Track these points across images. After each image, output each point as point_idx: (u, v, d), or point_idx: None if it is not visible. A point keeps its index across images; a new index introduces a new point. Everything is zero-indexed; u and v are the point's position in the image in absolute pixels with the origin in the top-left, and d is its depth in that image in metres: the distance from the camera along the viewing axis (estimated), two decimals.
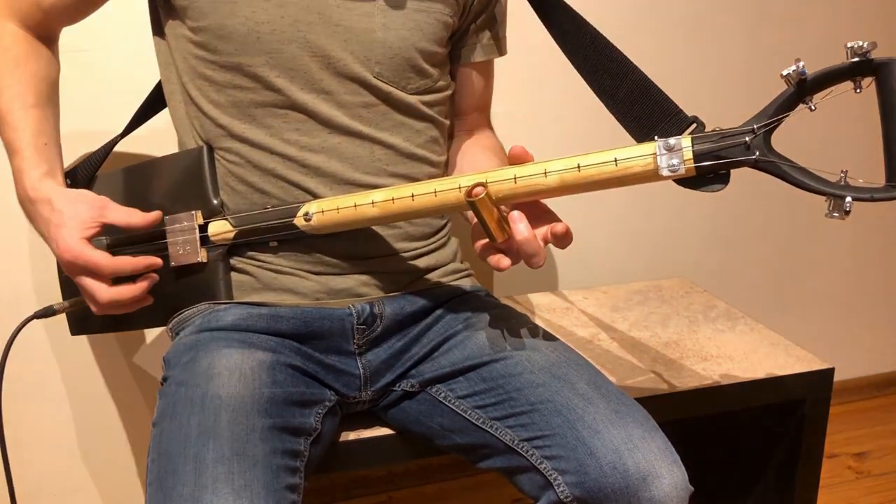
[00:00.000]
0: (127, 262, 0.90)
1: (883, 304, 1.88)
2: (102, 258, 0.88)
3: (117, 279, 0.90)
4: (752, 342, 1.26)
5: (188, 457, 0.75)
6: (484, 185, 0.80)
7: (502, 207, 0.82)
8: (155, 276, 0.93)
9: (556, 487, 0.81)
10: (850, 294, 1.84)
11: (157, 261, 0.93)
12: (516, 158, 0.82)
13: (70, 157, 1.03)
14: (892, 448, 1.74)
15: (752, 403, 1.16)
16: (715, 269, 1.70)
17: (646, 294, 1.48)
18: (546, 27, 0.94)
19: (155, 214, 0.92)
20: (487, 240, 0.83)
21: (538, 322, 1.03)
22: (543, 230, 0.82)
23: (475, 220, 0.84)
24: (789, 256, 1.76)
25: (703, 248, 1.68)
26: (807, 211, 1.72)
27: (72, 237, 0.87)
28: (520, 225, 0.79)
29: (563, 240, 0.82)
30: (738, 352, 1.22)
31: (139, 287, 0.91)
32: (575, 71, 0.91)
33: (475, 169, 0.95)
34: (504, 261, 0.82)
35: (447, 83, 1.01)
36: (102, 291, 0.89)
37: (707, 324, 1.33)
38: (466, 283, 1.05)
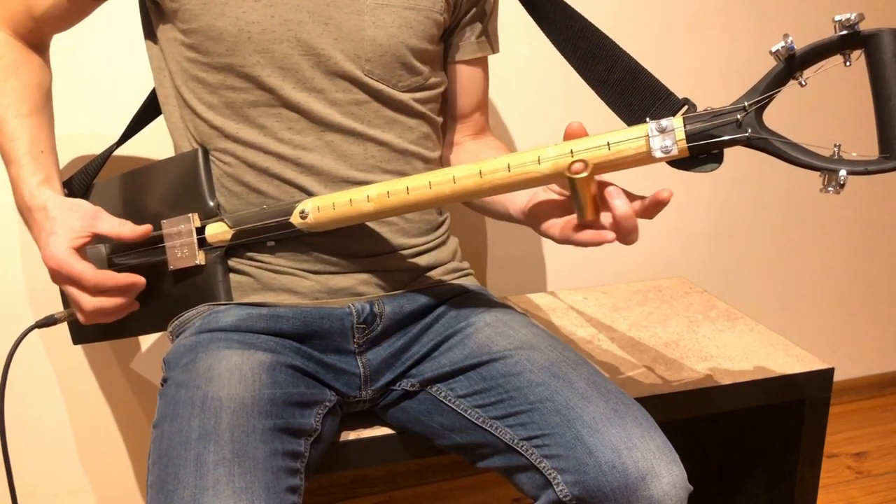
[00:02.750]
0: (109, 278, 0.89)
1: (883, 304, 1.88)
2: (85, 271, 0.87)
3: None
4: (752, 342, 1.26)
5: (189, 459, 0.75)
6: (586, 162, 0.76)
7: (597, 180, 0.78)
8: (141, 280, 0.92)
9: (555, 487, 0.81)
10: (850, 294, 1.84)
11: (141, 280, 0.92)
12: (573, 135, 0.79)
13: (65, 161, 1.03)
14: (892, 448, 1.74)
15: (752, 403, 1.16)
16: (715, 269, 1.70)
17: (646, 294, 1.48)
18: (532, 16, 0.94)
19: (145, 228, 0.92)
20: (564, 220, 0.81)
21: (538, 322, 1.02)
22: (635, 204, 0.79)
23: (532, 202, 0.85)
24: (789, 256, 1.76)
25: (703, 248, 1.68)
26: (807, 210, 1.72)
27: (58, 245, 0.86)
28: (617, 200, 0.76)
29: (658, 208, 0.77)
30: (738, 352, 1.22)
31: (122, 296, 0.91)
32: (565, 60, 0.91)
33: None
34: (586, 234, 0.79)
35: (439, 80, 1.01)
36: (86, 300, 0.88)
37: (707, 324, 1.33)
38: (466, 282, 1.05)
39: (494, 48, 1.07)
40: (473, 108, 1.08)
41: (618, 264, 1.62)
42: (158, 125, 1.05)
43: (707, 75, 1.57)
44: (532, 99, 1.48)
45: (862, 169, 0.72)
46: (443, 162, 1.07)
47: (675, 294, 1.48)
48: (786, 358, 1.20)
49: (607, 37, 0.87)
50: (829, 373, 1.17)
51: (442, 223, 1.04)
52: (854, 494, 1.59)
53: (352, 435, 1.00)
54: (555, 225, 0.84)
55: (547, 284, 1.58)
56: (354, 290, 0.95)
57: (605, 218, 0.79)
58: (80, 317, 0.91)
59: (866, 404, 1.92)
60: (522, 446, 0.85)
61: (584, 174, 0.76)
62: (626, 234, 0.77)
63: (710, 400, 1.13)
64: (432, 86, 0.99)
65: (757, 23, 1.57)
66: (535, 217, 0.87)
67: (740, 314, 1.37)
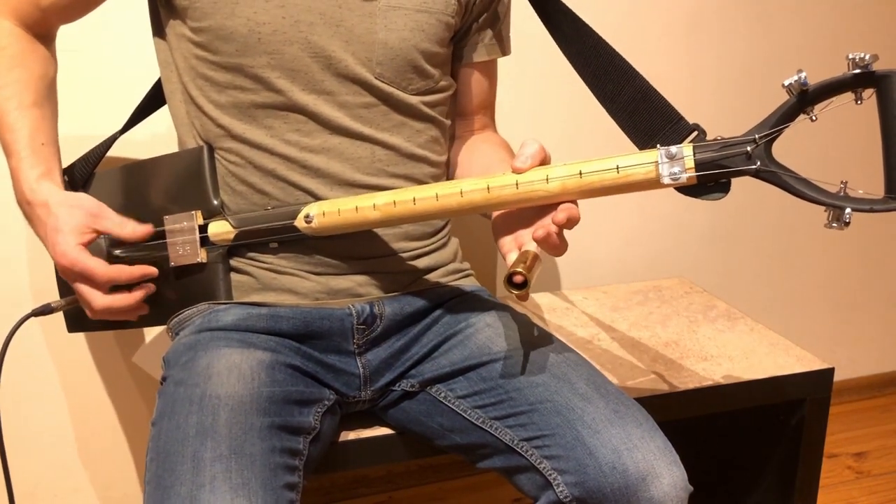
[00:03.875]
0: (122, 271, 0.90)
1: (883, 304, 1.88)
2: (98, 266, 0.88)
3: (114, 286, 0.91)
4: (752, 342, 1.26)
5: (186, 455, 0.76)
6: (525, 277, 0.74)
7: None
8: (151, 286, 0.94)
9: (555, 487, 0.81)
10: (850, 294, 1.84)
11: (153, 270, 0.93)
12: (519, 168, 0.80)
13: (68, 159, 1.03)
14: (892, 448, 1.74)
15: (752, 403, 1.16)
16: (715, 269, 1.70)
17: (646, 294, 1.48)
18: (549, 32, 0.94)
19: (147, 228, 0.93)
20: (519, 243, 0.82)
21: (538, 322, 1.02)
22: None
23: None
24: (789, 256, 1.76)
25: (703, 248, 1.68)
26: (807, 211, 1.72)
27: (68, 243, 0.87)
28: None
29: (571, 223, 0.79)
30: (738, 352, 1.22)
31: (134, 297, 0.92)
32: (577, 76, 0.91)
33: (484, 166, 0.95)
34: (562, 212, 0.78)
35: (448, 83, 1.01)
36: (97, 298, 0.89)
37: (707, 324, 1.33)
38: (466, 284, 1.05)
39: (506, 51, 1.06)
40: (478, 108, 1.08)
41: (618, 264, 1.62)
42: (165, 118, 1.05)
43: (703, 80, 1.57)
44: (546, 114, 1.48)
45: (867, 207, 0.73)
46: None
47: (675, 294, 1.48)
48: (786, 358, 1.20)
49: (620, 55, 0.87)
50: (829, 373, 1.17)
51: (444, 226, 1.04)
52: (854, 494, 1.59)
53: (352, 435, 1.00)
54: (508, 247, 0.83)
55: (547, 284, 1.58)
56: (355, 290, 0.95)
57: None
58: (89, 313, 0.92)
59: (866, 404, 1.92)
60: (522, 447, 0.85)
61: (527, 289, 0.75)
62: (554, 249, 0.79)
63: (710, 400, 1.13)
64: (442, 89, 0.99)
65: (754, 27, 1.57)
66: (499, 228, 0.86)
67: (740, 314, 1.37)
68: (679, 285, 1.53)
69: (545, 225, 0.78)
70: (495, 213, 0.87)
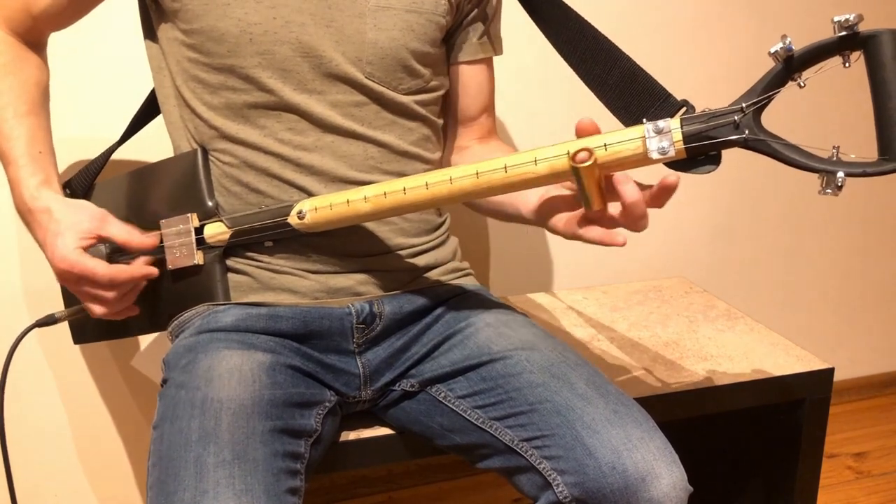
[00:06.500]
0: (123, 271, 0.90)
1: (883, 304, 1.88)
2: (99, 266, 0.88)
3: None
4: (752, 342, 1.26)
5: (189, 461, 0.75)
6: (590, 150, 0.76)
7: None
8: (154, 269, 0.94)
9: (555, 488, 0.81)
10: (850, 294, 1.84)
11: (154, 270, 0.93)
12: (584, 131, 0.78)
13: (63, 163, 1.03)
14: (892, 448, 1.74)
15: (752, 403, 1.15)
16: (715, 269, 1.70)
17: (645, 294, 1.48)
18: (532, 17, 0.94)
19: (153, 239, 0.93)
20: (570, 215, 0.81)
21: (537, 322, 1.02)
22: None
23: (542, 199, 0.85)
24: (789, 256, 1.76)
25: (703, 248, 1.68)
26: (807, 211, 1.72)
27: (67, 246, 0.87)
28: (626, 186, 0.76)
29: (667, 194, 0.77)
30: (738, 352, 1.22)
31: (139, 270, 0.92)
32: (563, 61, 0.91)
33: None
34: (594, 231, 0.79)
35: (440, 83, 1.01)
36: (104, 295, 0.89)
37: (707, 324, 1.33)
38: (466, 283, 1.04)
39: (497, 50, 1.06)
40: (479, 110, 1.07)
41: (618, 264, 1.62)
42: (158, 125, 1.05)
43: (706, 76, 1.57)
44: (534, 103, 1.47)
45: (860, 171, 0.71)
46: (449, 165, 1.06)
47: (675, 294, 1.48)
48: (786, 358, 1.20)
49: (606, 38, 0.87)
50: (829, 373, 1.16)
51: (441, 223, 1.04)
52: (854, 494, 1.59)
53: (352, 435, 1.00)
54: (561, 219, 0.84)
55: (546, 284, 1.58)
56: (354, 289, 0.95)
57: (614, 208, 0.79)
58: (98, 312, 0.92)
59: (866, 404, 1.92)
60: (522, 447, 0.84)
61: (589, 163, 0.75)
62: (635, 221, 0.77)
63: (710, 400, 1.13)
64: (433, 88, 0.99)
65: (756, 23, 1.57)
66: (543, 214, 0.87)
67: (740, 314, 1.37)
68: (679, 285, 1.53)
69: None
70: (539, 203, 0.87)
